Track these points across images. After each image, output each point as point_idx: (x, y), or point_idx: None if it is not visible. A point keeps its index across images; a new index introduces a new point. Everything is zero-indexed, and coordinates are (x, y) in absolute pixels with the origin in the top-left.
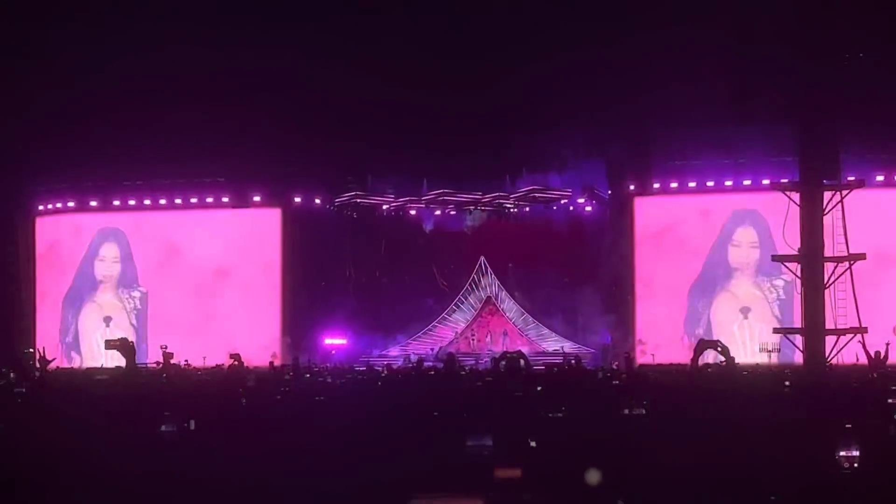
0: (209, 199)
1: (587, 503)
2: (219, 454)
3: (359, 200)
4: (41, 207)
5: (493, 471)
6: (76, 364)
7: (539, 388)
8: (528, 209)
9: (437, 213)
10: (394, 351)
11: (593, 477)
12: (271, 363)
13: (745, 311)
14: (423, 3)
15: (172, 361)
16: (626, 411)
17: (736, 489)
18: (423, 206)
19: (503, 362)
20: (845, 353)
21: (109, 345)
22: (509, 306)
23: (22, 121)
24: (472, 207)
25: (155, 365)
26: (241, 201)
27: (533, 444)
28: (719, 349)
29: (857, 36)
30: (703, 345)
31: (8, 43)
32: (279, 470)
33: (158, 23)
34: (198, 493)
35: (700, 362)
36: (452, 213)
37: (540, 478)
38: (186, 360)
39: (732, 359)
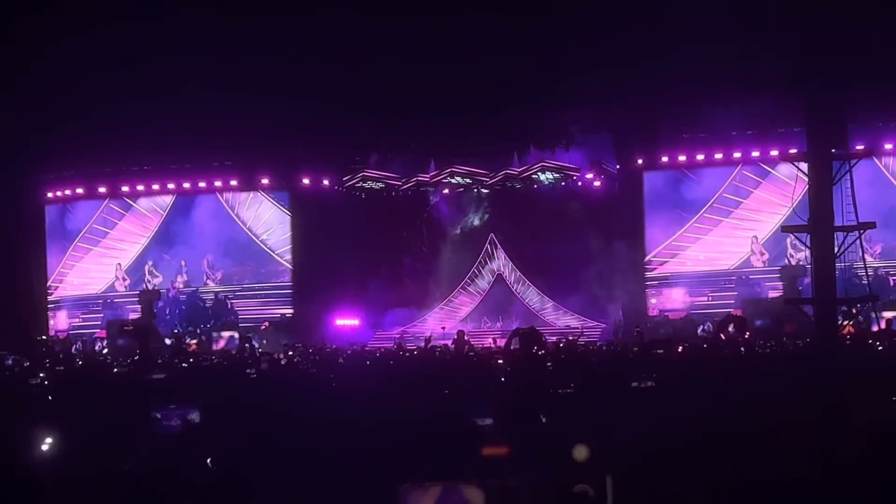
0: (217, 183)
1: (580, 479)
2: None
3: (366, 183)
4: (49, 195)
5: (480, 450)
6: None
7: (549, 364)
8: (536, 186)
9: (446, 191)
10: (408, 329)
11: (581, 453)
12: (286, 346)
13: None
14: None
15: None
16: (635, 384)
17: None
18: (431, 184)
19: (515, 338)
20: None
21: (124, 331)
22: (520, 283)
23: (28, 108)
24: (478, 188)
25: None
26: (249, 184)
27: (543, 419)
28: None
29: (863, 2)
30: (729, 319)
31: (14, 29)
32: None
33: (164, 6)
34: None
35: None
36: (460, 190)
37: (538, 453)
38: (196, 344)
39: (751, 332)
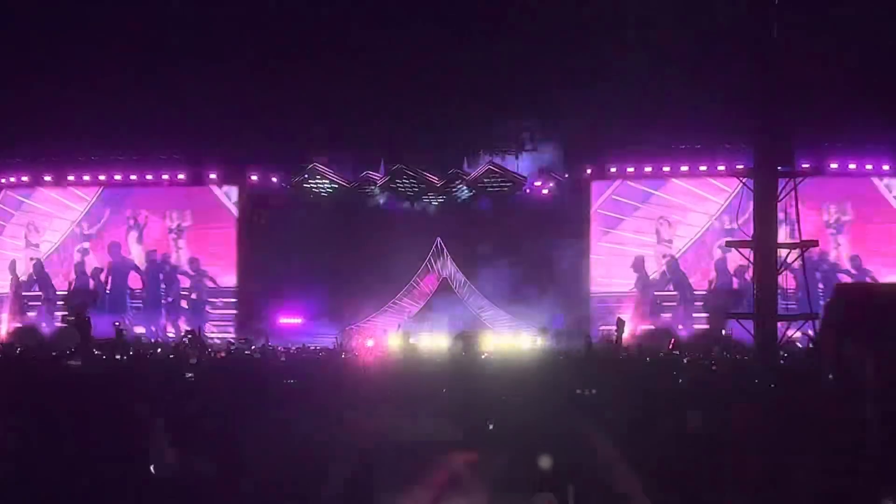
0: (165, 176)
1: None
2: None
3: (314, 182)
4: None
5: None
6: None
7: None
8: (485, 191)
9: (394, 192)
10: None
11: (545, 462)
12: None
13: None
14: None
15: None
16: (579, 391)
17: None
18: (379, 185)
19: (460, 342)
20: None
21: (66, 320)
22: (465, 288)
23: None
24: (426, 192)
25: (107, 341)
26: (197, 179)
27: (490, 426)
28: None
29: (812, 21)
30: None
31: None
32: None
33: None
34: None
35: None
36: (409, 193)
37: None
38: (139, 337)
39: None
